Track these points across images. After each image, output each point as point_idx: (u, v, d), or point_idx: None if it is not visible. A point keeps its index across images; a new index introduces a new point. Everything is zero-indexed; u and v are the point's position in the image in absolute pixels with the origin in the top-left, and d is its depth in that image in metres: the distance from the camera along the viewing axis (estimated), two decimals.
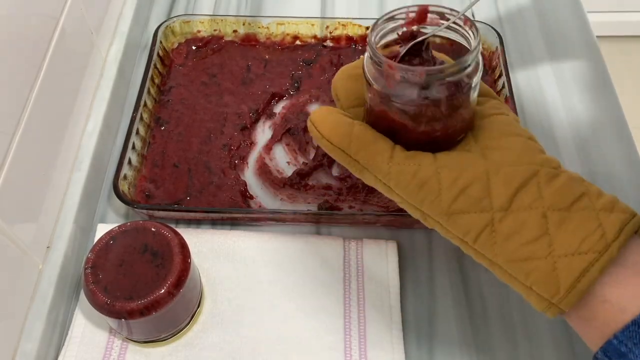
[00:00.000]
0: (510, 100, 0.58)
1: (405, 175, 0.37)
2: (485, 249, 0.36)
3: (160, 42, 0.65)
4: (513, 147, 0.38)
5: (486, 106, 0.41)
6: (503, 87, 0.60)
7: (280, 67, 0.66)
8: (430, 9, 0.39)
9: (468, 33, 0.37)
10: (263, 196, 0.56)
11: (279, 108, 0.63)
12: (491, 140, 0.38)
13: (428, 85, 0.35)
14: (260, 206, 0.56)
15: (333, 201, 0.55)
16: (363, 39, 0.67)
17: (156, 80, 0.63)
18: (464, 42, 0.38)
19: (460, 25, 0.38)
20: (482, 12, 0.73)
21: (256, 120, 0.62)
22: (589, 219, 0.35)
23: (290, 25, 0.67)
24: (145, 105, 0.60)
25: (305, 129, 0.61)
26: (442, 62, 0.39)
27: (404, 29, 0.39)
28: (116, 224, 0.47)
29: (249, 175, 0.58)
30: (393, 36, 0.40)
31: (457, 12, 0.38)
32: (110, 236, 0.45)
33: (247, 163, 0.59)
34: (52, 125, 0.52)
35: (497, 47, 0.63)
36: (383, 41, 0.39)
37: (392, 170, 0.38)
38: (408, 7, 0.39)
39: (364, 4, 0.75)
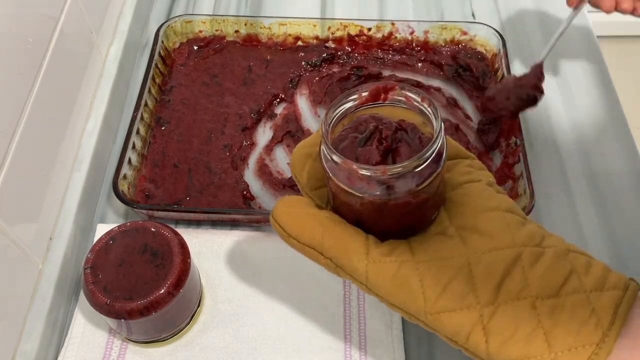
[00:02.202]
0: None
1: (383, 275, 0.34)
2: (478, 349, 0.34)
3: (162, 41, 0.65)
4: (491, 228, 0.35)
5: (455, 172, 0.38)
6: None
7: (282, 68, 0.66)
8: (384, 86, 0.36)
9: (427, 110, 0.35)
10: (263, 197, 0.56)
11: (280, 109, 0.63)
12: (466, 220, 0.36)
13: (392, 181, 0.33)
14: (260, 207, 0.56)
15: None
16: (364, 40, 0.67)
17: (157, 80, 0.63)
18: (423, 119, 0.35)
19: (418, 102, 0.35)
20: (483, 13, 0.73)
21: (257, 121, 0.62)
22: (581, 306, 0.33)
23: (292, 25, 0.67)
24: (146, 104, 0.60)
25: (305, 130, 0.61)
26: (415, 131, 0.36)
27: (359, 110, 0.36)
28: (116, 224, 0.47)
29: (249, 176, 0.58)
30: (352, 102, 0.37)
31: (414, 89, 0.36)
32: (110, 236, 0.45)
33: (248, 164, 0.59)
34: (52, 125, 0.51)
35: (499, 49, 0.63)
36: (345, 106, 0.36)
37: (369, 271, 0.35)
38: (361, 86, 0.36)
39: (363, 4, 0.75)
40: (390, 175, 0.33)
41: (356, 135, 0.35)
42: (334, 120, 0.36)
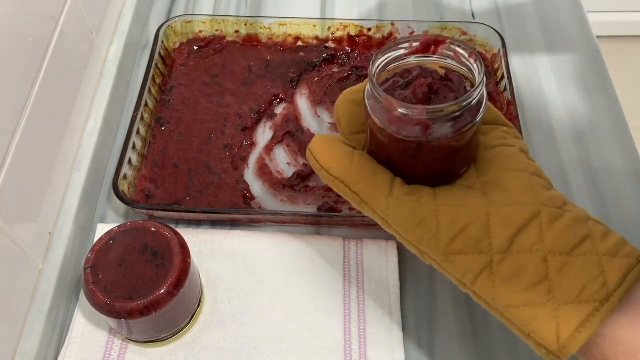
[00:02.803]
0: (512, 103, 0.58)
1: (403, 212, 0.36)
2: (484, 292, 0.35)
3: (162, 42, 0.65)
4: (515, 185, 0.36)
5: (491, 136, 0.40)
6: (505, 89, 0.60)
7: (282, 68, 0.66)
8: (435, 39, 0.37)
9: (473, 66, 0.36)
10: (263, 197, 0.56)
11: (280, 109, 0.63)
12: (493, 176, 0.37)
13: (429, 123, 0.34)
14: (260, 207, 0.56)
15: (333, 203, 0.55)
16: (364, 40, 0.67)
17: (157, 80, 0.63)
18: (469, 75, 0.37)
19: (465, 58, 0.37)
20: (483, 13, 0.73)
21: (257, 121, 0.62)
22: (591, 265, 0.34)
23: (292, 26, 0.67)
24: (146, 105, 0.60)
25: (305, 131, 0.61)
26: (461, 82, 0.37)
27: (407, 59, 0.38)
28: (116, 224, 0.47)
29: (249, 176, 0.58)
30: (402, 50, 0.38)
31: (464, 43, 0.37)
32: (110, 236, 0.45)
33: (248, 164, 0.59)
34: (52, 125, 0.52)
35: (499, 49, 0.63)
36: (394, 54, 0.38)
37: (390, 206, 0.37)
38: (412, 36, 0.38)
39: (363, 5, 0.75)
40: (427, 116, 0.34)
41: (399, 80, 0.37)
42: (382, 63, 0.37)
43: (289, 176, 0.57)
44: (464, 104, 0.34)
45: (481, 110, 0.35)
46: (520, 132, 0.57)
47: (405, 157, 0.37)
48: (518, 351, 0.48)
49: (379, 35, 0.67)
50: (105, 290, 0.43)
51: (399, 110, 0.34)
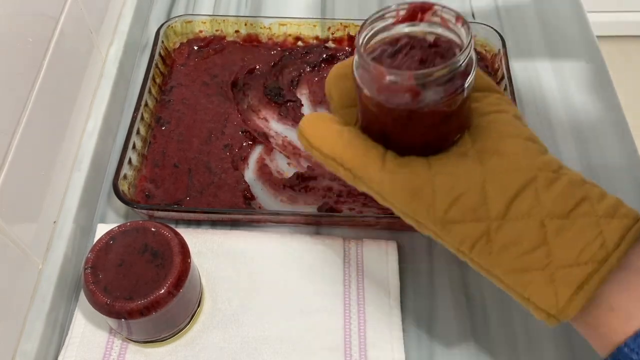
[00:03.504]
0: (512, 103, 0.58)
1: (398, 184, 0.36)
2: (482, 258, 0.35)
3: (162, 41, 0.65)
4: (510, 151, 0.36)
5: (484, 102, 0.40)
6: (505, 89, 0.60)
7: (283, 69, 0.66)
8: (421, 5, 0.37)
9: (460, 30, 0.36)
10: (263, 197, 0.56)
11: None
12: (488, 143, 0.37)
13: (418, 89, 0.34)
14: (260, 207, 0.56)
15: (333, 203, 0.55)
16: None
17: (157, 80, 0.63)
18: (457, 40, 0.37)
19: (452, 23, 0.36)
20: (482, 13, 0.73)
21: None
22: (589, 227, 0.34)
23: (292, 26, 0.67)
24: (146, 104, 0.60)
25: None
26: (449, 48, 0.36)
27: (395, 28, 0.38)
28: (116, 224, 0.47)
29: (249, 176, 0.58)
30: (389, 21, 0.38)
31: (450, 9, 0.37)
32: (110, 236, 0.45)
33: (248, 164, 0.59)
34: (52, 125, 0.52)
35: (499, 49, 0.63)
36: (381, 24, 0.38)
37: (384, 179, 0.36)
38: (398, 5, 0.37)
39: (363, 5, 0.75)
40: (416, 81, 0.33)
41: (387, 48, 0.36)
42: (369, 34, 0.37)
43: (289, 176, 0.57)
44: (453, 67, 0.33)
45: (471, 73, 0.35)
46: None
47: (397, 126, 0.36)
48: (518, 351, 0.48)
49: None
50: (105, 290, 0.43)
51: (387, 77, 0.34)
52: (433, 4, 0.37)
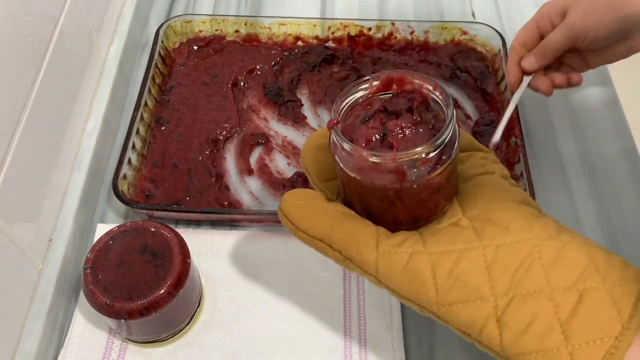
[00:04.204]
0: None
1: (394, 267, 0.33)
2: (492, 341, 0.33)
3: (162, 41, 0.65)
4: (506, 219, 0.34)
5: (469, 164, 0.38)
6: (505, 89, 0.60)
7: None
8: (397, 76, 0.35)
9: (440, 100, 0.34)
10: (263, 197, 0.56)
11: None
12: (480, 211, 0.35)
13: (403, 169, 0.32)
14: (260, 207, 0.56)
15: None
16: (364, 40, 0.67)
17: (157, 80, 0.63)
18: (437, 109, 0.34)
19: (431, 91, 0.34)
20: (483, 12, 0.73)
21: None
22: (600, 298, 0.32)
23: (292, 25, 0.67)
24: (145, 104, 0.60)
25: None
26: (426, 108, 0.34)
27: (369, 98, 0.35)
28: (116, 224, 0.47)
29: (250, 176, 0.58)
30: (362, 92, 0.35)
31: (424, 77, 0.34)
32: (109, 236, 0.45)
33: (248, 164, 0.59)
34: (52, 125, 0.51)
35: (499, 49, 0.63)
36: (355, 96, 0.35)
37: (379, 262, 0.34)
38: (371, 75, 0.35)
39: (363, 4, 0.74)
40: (400, 161, 0.32)
41: (360, 114, 0.34)
42: (343, 108, 0.35)
43: (289, 176, 0.57)
44: (438, 142, 0.31)
45: (456, 144, 0.33)
46: (521, 132, 0.57)
47: (384, 204, 0.34)
48: None
49: (379, 35, 0.67)
50: (105, 290, 0.43)
51: (370, 159, 0.32)
52: (405, 73, 0.35)
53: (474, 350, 0.48)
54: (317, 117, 0.63)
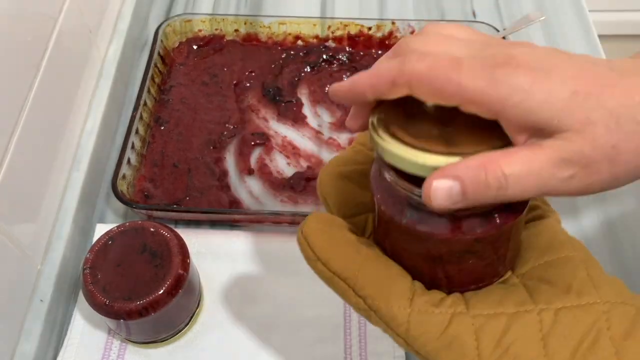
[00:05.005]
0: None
1: (429, 329, 0.28)
2: None
3: (161, 41, 0.65)
4: (566, 278, 0.28)
5: None
6: None
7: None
8: None
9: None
10: (263, 197, 0.56)
11: None
12: (533, 267, 0.29)
13: (460, 214, 0.26)
14: (260, 207, 0.55)
15: None
16: (364, 39, 0.67)
17: (156, 80, 0.63)
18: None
19: None
20: (483, 11, 0.73)
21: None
22: None
23: (292, 25, 0.67)
24: (145, 104, 0.60)
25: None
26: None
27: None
28: (115, 224, 0.47)
29: (249, 176, 0.58)
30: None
31: None
32: (109, 236, 0.45)
33: (248, 164, 0.59)
34: (51, 124, 0.51)
35: None
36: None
37: (412, 321, 0.28)
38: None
39: (364, 4, 0.74)
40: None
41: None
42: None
43: (289, 176, 0.57)
44: None
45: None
46: None
47: (427, 259, 0.28)
48: None
49: (379, 34, 0.67)
50: (104, 290, 0.42)
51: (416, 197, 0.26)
52: None
53: None
54: (317, 117, 0.62)
